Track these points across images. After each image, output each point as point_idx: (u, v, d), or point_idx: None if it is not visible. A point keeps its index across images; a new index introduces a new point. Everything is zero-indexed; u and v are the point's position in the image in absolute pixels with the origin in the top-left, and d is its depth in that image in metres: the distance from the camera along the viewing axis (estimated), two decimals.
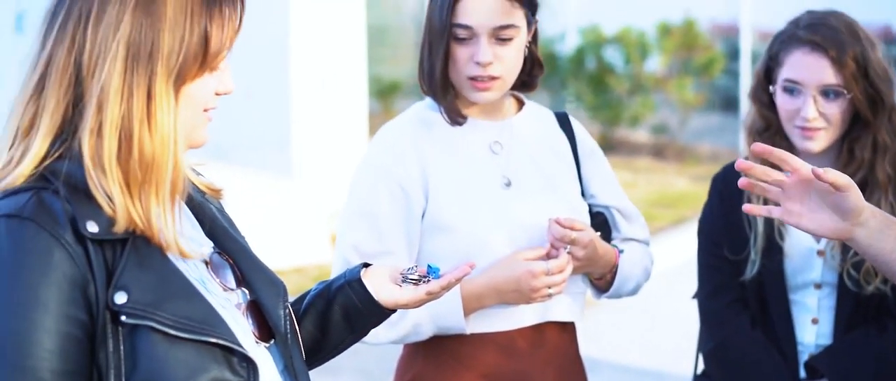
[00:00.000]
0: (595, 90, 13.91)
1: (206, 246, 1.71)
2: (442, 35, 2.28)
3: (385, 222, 2.32)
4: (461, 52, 2.29)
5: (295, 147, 9.66)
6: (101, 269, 1.51)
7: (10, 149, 1.57)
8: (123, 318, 1.50)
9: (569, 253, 2.31)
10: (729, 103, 13.78)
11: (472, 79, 2.30)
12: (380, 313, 1.90)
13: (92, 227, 1.50)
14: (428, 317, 2.30)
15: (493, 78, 2.30)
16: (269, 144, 9.88)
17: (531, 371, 2.37)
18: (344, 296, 1.89)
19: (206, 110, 1.64)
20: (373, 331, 2.21)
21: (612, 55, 14.04)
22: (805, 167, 1.88)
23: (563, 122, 2.54)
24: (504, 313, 2.35)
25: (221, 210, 1.82)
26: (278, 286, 1.75)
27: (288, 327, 1.72)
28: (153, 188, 1.55)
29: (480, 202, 2.34)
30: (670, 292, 6.07)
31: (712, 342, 2.65)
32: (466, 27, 2.27)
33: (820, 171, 1.85)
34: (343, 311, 1.89)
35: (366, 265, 1.94)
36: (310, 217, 8.64)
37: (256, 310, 1.71)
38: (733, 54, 14.22)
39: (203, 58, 1.58)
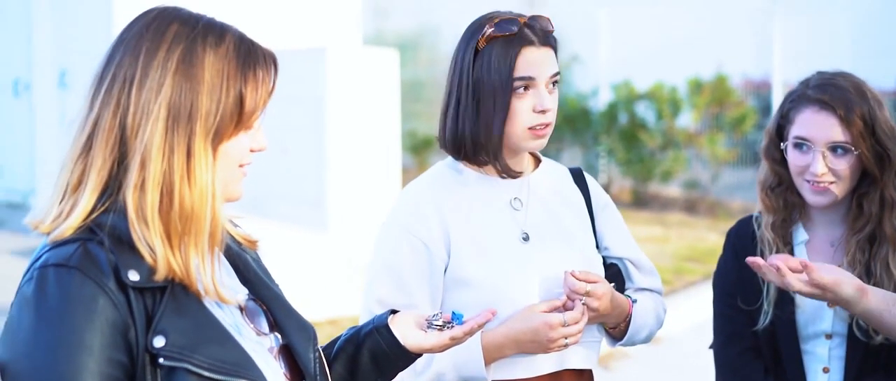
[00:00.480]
0: (627, 145, 13.98)
1: (242, 293, 1.82)
2: (505, 90, 2.36)
3: (409, 277, 2.41)
4: (519, 105, 2.37)
5: (330, 202, 9.79)
6: (142, 315, 1.62)
7: (59, 203, 1.69)
8: (161, 360, 1.61)
9: (584, 304, 2.38)
10: (760, 159, 13.81)
11: (532, 128, 2.39)
12: (406, 357, 2.01)
13: (133, 276, 1.62)
14: (451, 366, 2.38)
15: (548, 125, 2.41)
16: (304, 198, 10.01)
17: None
18: (372, 341, 2.00)
19: (241, 166, 1.76)
20: (398, 378, 2.32)
21: (645, 111, 14.12)
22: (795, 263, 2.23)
23: (578, 177, 2.64)
24: (523, 361, 2.43)
25: (257, 260, 1.93)
26: (309, 331, 1.86)
27: (317, 369, 1.83)
28: (192, 239, 1.67)
29: (500, 257, 2.43)
30: (701, 345, 6.13)
31: (723, 336, 2.73)
32: (529, 79, 2.36)
33: (814, 272, 2.21)
34: (371, 355, 1.99)
35: (393, 312, 2.04)
36: (343, 270, 8.75)
37: (288, 354, 1.82)
38: (765, 109, 14.29)
39: (238, 118, 1.70)
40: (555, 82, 2.41)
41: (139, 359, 1.62)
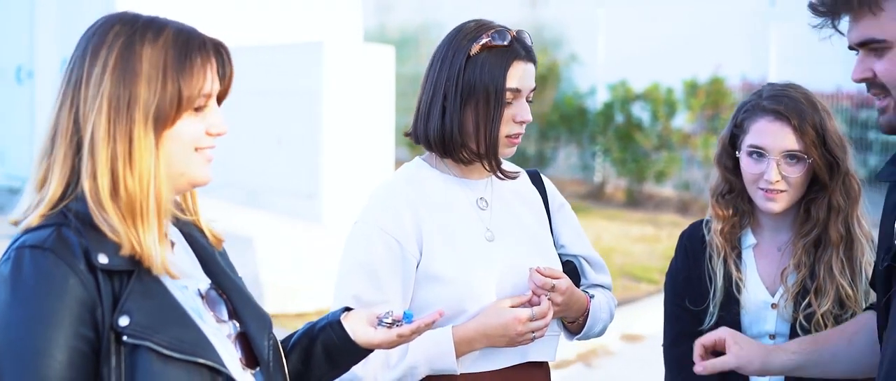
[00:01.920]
0: (623, 145, 14.09)
1: (203, 282, 1.95)
2: (498, 99, 2.47)
3: (383, 273, 2.50)
4: (505, 114, 2.50)
5: (325, 194, 9.89)
6: (109, 295, 1.75)
7: (29, 196, 1.85)
8: (125, 338, 1.74)
9: (549, 299, 2.51)
10: None
11: (509, 136, 2.52)
12: (356, 352, 2.14)
13: (102, 259, 1.75)
14: (424, 359, 2.49)
15: (520, 135, 2.54)
16: (299, 191, 10.12)
17: None
18: (325, 335, 2.13)
19: (199, 150, 1.89)
20: (372, 373, 2.46)
21: (640, 111, 14.23)
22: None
23: (535, 179, 2.77)
24: (489, 355, 2.55)
25: (223, 255, 2.07)
26: (265, 320, 1.99)
27: (271, 356, 1.97)
28: (140, 219, 1.80)
29: (468, 254, 2.54)
30: None
31: (672, 334, 2.84)
32: (516, 91, 2.49)
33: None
34: (324, 348, 2.13)
35: (347, 310, 2.18)
36: (337, 262, 8.85)
37: (245, 341, 1.95)
38: None
39: (178, 104, 1.83)
40: (532, 98, 2.56)
41: (104, 336, 1.75)
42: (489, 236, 2.59)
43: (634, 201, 14.13)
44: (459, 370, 2.54)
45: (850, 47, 1.98)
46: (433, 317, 2.11)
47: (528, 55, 2.53)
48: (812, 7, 1.98)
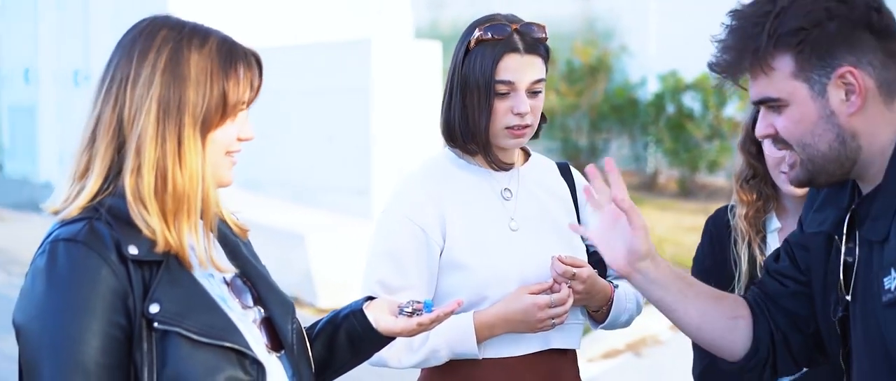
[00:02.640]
0: (674, 136, 14.05)
1: (229, 270, 2.04)
2: (487, 92, 2.53)
3: (407, 261, 2.57)
4: (500, 106, 2.54)
5: (374, 190, 10.00)
6: (140, 284, 1.84)
7: (68, 188, 1.93)
8: (156, 325, 1.83)
9: (570, 287, 2.55)
10: None
11: (510, 128, 2.56)
12: (378, 339, 2.22)
13: (133, 250, 1.84)
14: (445, 344, 2.56)
15: (526, 126, 2.58)
16: (349, 187, 10.23)
17: None
18: (348, 323, 2.21)
19: (228, 154, 1.98)
20: (396, 356, 2.54)
21: (691, 101, 14.18)
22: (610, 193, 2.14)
23: (564, 170, 2.82)
24: (512, 340, 2.60)
25: (247, 245, 2.15)
26: (288, 306, 2.08)
27: (294, 339, 2.05)
28: (184, 216, 1.89)
29: (491, 243, 2.59)
30: None
31: (702, 365, 2.89)
32: (509, 83, 2.54)
33: (619, 197, 2.09)
34: (347, 336, 2.21)
35: (370, 299, 2.25)
36: None
37: (270, 325, 2.04)
38: None
39: (223, 110, 1.92)
40: (537, 90, 2.58)
41: (136, 323, 1.83)
42: (513, 226, 2.64)
43: (687, 191, 14.09)
44: (482, 355, 2.60)
45: (753, 104, 2.01)
46: (452, 307, 2.17)
47: (530, 47, 2.55)
48: (710, 67, 1.99)
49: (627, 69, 16.36)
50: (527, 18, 2.62)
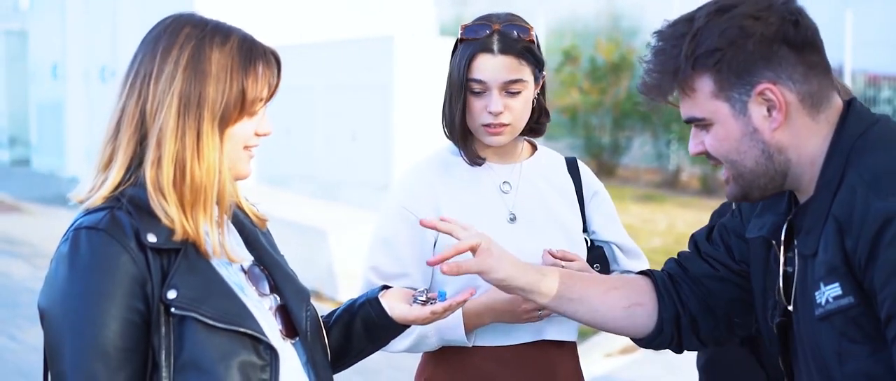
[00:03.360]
0: None
1: (247, 259, 2.12)
2: (460, 89, 2.61)
3: (403, 249, 2.66)
4: (476, 104, 2.62)
5: None
6: (158, 271, 1.91)
7: (93, 178, 2.01)
8: (173, 310, 1.90)
9: None
10: None
11: (486, 125, 2.63)
12: (394, 327, 2.29)
13: (151, 238, 1.91)
14: (434, 329, 2.63)
15: (503, 125, 2.63)
16: (372, 183, 10.32)
17: (524, 379, 2.68)
18: (364, 311, 2.29)
19: (246, 148, 2.05)
20: (391, 342, 2.61)
21: None
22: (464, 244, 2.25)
23: (571, 166, 2.86)
24: (503, 330, 2.67)
25: (267, 234, 2.22)
26: (303, 293, 2.15)
27: (309, 326, 2.12)
28: (201, 207, 1.96)
29: (486, 234, 2.66)
30: None
31: (704, 356, 2.95)
32: (480, 82, 2.60)
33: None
34: (363, 324, 2.29)
35: (386, 287, 2.33)
36: None
37: (285, 313, 2.11)
38: None
39: (242, 106, 2.00)
40: (513, 90, 2.62)
41: (154, 308, 1.91)
42: (511, 218, 2.71)
43: (709, 188, 14.10)
44: (474, 343, 2.67)
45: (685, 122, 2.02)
46: (465, 296, 2.24)
47: (505, 49, 2.60)
48: (638, 90, 2.01)
49: None
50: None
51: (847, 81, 14.47)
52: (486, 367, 2.68)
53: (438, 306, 2.25)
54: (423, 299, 2.28)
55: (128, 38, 13.00)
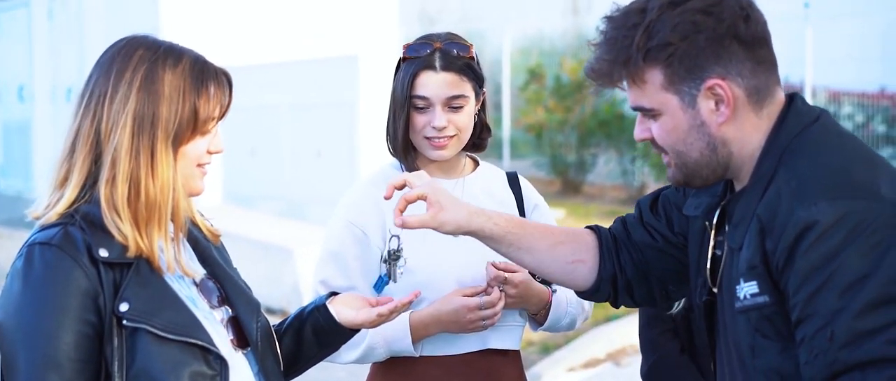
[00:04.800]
0: None
1: (199, 272, 2.19)
2: (403, 105, 2.72)
3: (350, 263, 2.74)
4: (419, 119, 2.72)
5: None
6: (110, 285, 1.99)
7: (49, 196, 2.08)
8: (125, 322, 1.98)
9: (502, 291, 2.71)
10: None
11: (429, 139, 2.73)
12: (343, 332, 2.38)
13: (103, 252, 1.99)
14: (382, 341, 2.72)
15: (448, 138, 2.73)
16: (338, 201, 10.35)
17: None
18: (313, 318, 2.37)
19: (200, 166, 2.13)
20: (340, 353, 2.70)
21: None
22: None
23: (512, 180, 2.97)
24: (449, 340, 2.77)
25: (220, 249, 2.30)
26: (253, 305, 2.23)
27: (259, 336, 2.20)
28: (155, 224, 2.04)
29: (431, 248, 2.74)
30: None
31: (647, 364, 3.04)
32: (424, 98, 2.71)
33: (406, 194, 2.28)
34: (313, 330, 2.37)
35: (334, 294, 2.42)
36: None
37: (236, 324, 2.19)
38: None
39: (194, 125, 2.08)
40: (455, 105, 2.73)
41: (107, 321, 1.98)
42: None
43: None
44: (421, 353, 2.76)
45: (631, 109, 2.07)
46: (410, 297, 2.34)
47: (447, 66, 2.71)
48: (585, 73, 2.06)
49: None
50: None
51: (808, 98, 14.67)
52: (432, 375, 2.77)
53: (384, 308, 2.33)
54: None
55: (94, 60, 13.02)
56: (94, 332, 1.98)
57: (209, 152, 2.15)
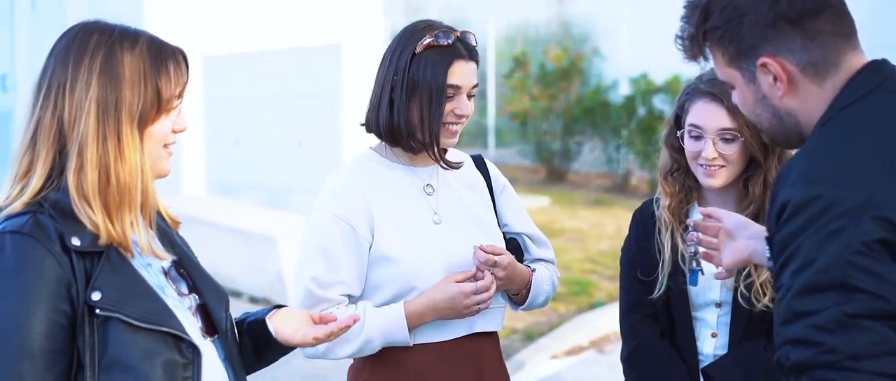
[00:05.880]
0: (645, 138, 14.19)
1: (169, 257, 2.18)
2: (440, 94, 2.68)
3: (338, 257, 2.71)
4: (446, 107, 2.71)
5: None
6: (82, 274, 1.97)
7: (10, 187, 2.06)
8: (98, 311, 1.96)
9: (492, 274, 2.73)
10: None
11: (446, 124, 2.73)
12: (279, 348, 2.34)
13: (75, 241, 1.97)
14: (379, 333, 2.71)
15: (458, 124, 2.75)
16: (320, 190, 10.34)
17: (461, 373, 2.80)
18: (252, 330, 2.35)
19: (165, 146, 2.12)
20: (334, 349, 2.67)
21: (662, 103, 14.34)
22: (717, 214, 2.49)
23: (479, 163, 2.99)
24: (439, 326, 2.77)
25: (181, 237, 2.28)
26: (222, 295, 2.23)
27: (228, 325, 2.20)
28: (127, 208, 2.02)
29: (416, 236, 2.75)
30: None
31: (627, 349, 3.05)
32: (455, 87, 2.71)
33: (708, 210, 2.44)
34: (251, 342, 2.35)
35: (278, 307, 2.39)
36: None
37: (204, 312, 2.18)
38: None
39: (158, 105, 2.06)
40: (473, 93, 2.77)
41: (79, 310, 1.96)
42: (437, 219, 2.80)
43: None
44: (413, 342, 2.76)
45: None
46: (348, 322, 2.31)
47: (470, 55, 2.73)
48: (676, 45, 2.14)
49: (601, 72, 16.53)
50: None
51: None
52: (425, 363, 2.78)
53: (321, 333, 2.29)
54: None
55: None
56: (67, 322, 1.96)
57: (174, 131, 2.13)
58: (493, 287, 2.74)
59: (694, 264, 2.53)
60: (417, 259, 2.74)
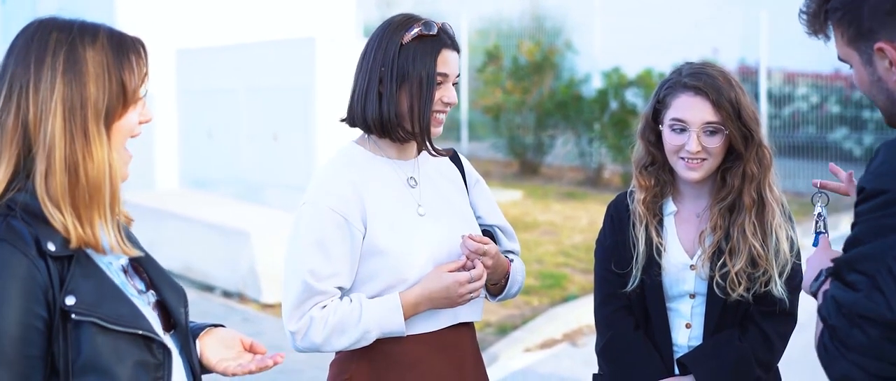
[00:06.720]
0: (618, 131, 14.26)
1: (123, 257, 2.14)
2: (430, 83, 2.71)
3: (333, 249, 2.71)
4: (435, 95, 2.74)
5: None
6: (57, 278, 1.95)
7: None
8: (73, 316, 1.94)
9: (481, 263, 2.76)
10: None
11: (435, 113, 2.75)
12: (202, 368, 2.30)
13: (51, 246, 1.95)
14: (376, 324, 2.72)
15: (444, 113, 2.79)
16: (294, 185, 10.32)
17: (446, 362, 2.83)
18: None
19: (133, 136, 2.09)
20: (331, 340, 2.68)
21: (634, 97, 14.41)
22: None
23: (454, 157, 3.02)
24: (427, 317, 2.80)
25: (132, 233, 2.25)
26: (180, 291, 2.22)
27: (186, 322, 2.20)
28: (97, 207, 2.00)
29: (405, 228, 2.76)
30: None
31: (602, 341, 3.07)
32: (444, 75, 2.74)
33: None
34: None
35: (216, 326, 2.37)
36: None
37: (162, 308, 2.17)
38: (754, 96, 14.55)
39: (124, 98, 2.04)
40: (457, 82, 2.81)
41: (55, 315, 1.94)
42: (421, 212, 2.82)
43: (630, 185, 14.27)
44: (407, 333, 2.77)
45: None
46: (275, 359, 2.30)
47: (453, 44, 2.78)
48: (800, 19, 2.22)
49: (573, 66, 16.58)
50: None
51: (763, 78, 14.79)
52: (412, 352, 2.80)
53: (241, 365, 2.27)
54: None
55: None
56: (44, 327, 1.94)
57: (140, 123, 2.11)
58: (485, 276, 2.77)
59: (820, 226, 2.55)
60: (407, 251, 2.76)
